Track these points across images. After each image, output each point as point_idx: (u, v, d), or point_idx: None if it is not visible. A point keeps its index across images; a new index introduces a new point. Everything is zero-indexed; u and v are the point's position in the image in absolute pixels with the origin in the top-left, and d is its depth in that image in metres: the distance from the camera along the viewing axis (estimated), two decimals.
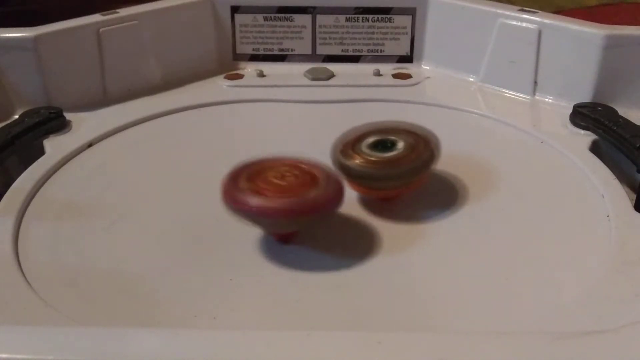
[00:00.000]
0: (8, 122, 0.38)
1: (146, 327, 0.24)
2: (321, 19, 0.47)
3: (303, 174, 0.28)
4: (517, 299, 0.26)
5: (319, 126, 0.40)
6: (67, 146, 0.37)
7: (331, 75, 0.46)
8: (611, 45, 0.39)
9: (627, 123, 0.36)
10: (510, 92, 0.43)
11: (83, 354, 0.20)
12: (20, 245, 0.29)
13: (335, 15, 0.47)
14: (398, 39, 0.47)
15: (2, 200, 0.32)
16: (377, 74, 0.46)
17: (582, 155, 0.35)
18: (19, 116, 0.39)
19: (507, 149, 0.37)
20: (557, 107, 0.41)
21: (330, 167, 0.29)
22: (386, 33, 0.47)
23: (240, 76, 0.46)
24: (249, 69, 0.47)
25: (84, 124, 0.39)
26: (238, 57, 0.48)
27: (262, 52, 0.48)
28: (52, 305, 0.25)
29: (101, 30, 0.42)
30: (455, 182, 0.33)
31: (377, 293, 0.27)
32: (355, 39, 0.47)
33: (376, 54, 0.47)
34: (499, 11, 0.43)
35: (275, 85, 0.45)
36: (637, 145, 0.34)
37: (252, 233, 0.30)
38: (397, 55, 0.47)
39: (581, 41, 0.40)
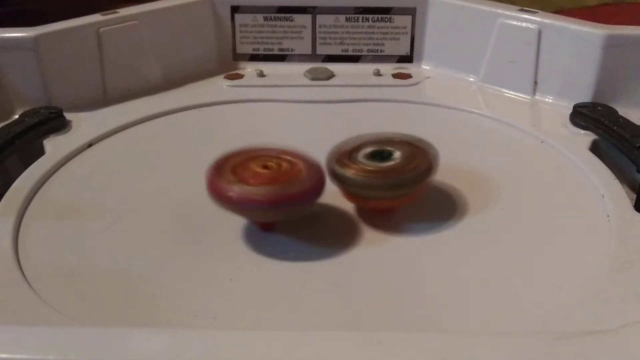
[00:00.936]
0: (8, 122, 0.38)
1: (146, 327, 0.24)
2: (321, 18, 0.47)
3: (285, 164, 0.28)
4: (517, 299, 0.26)
5: (319, 126, 0.40)
6: (67, 146, 0.37)
7: (331, 75, 0.46)
8: (611, 45, 0.39)
9: (627, 123, 0.36)
10: (510, 92, 0.43)
11: (83, 354, 0.20)
12: (20, 245, 0.29)
13: (335, 15, 0.47)
14: (398, 38, 0.47)
15: (2, 200, 0.32)
16: (377, 74, 0.46)
17: (582, 155, 0.35)
18: (19, 116, 0.39)
19: (507, 149, 0.37)
20: (557, 107, 0.41)
21: (311, 157, 0.29)
22: (386, 33, 0.47)
23: (240, 76, 0.46)
24: (249, 68, 0.47)
25: (84, 124, 0.39)
26: (238, 57, 0.48)
27: (262, 52, 0.48)
28: (52, 305, 0.25)
29: (101, 30, 0.42)
30: (455, 182, 0.33)
31: (377, 293, 0.27)
32: (355, 39, 0.47)
33: (376, 53, 0.47)
34: (499, 11, 0.43)
35: (275, 85, 0.45)
36: (637, 145, 0.34)
37: (253, 232, 0.30)
38: (397, 55, 0.47)
39: (581, 41, 0.40)
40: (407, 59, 0.47)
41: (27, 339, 0.20)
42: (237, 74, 0.46)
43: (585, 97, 0.40)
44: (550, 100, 0.42)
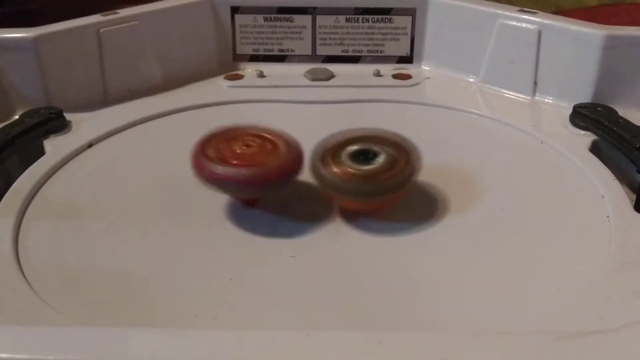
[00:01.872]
0: (8, 122, 0.38)
1: (146, 327, 0.24)
2: (321, 19, 0.47)
3: (266, 142, 0.30)
4: (517, 299, 0.26)
5: (319, 126, 0.40)
6: (67, 146, 0.37)
7: (331, 76, 0.46)
8: (611, 46, 0.39)
9: (627, 123, 0.36)
10: (510, 93, 0.43)
11: (83, 354, 0.20)
12: (20, 245, 0.29)
13: (335, 16, 0.47)
14: (398, 39, 0.47)
15: (2, 200, 0.32)
16: (377, 74, 0.46)
17: (582, 155, 0.35)
18: (19, 116, 0.39)
19: (507, 150, 0.37)
20: (557, 107, 0.41)
21: (290, 136, 0.31)
22: (386, 33, 0.47)
23: (240, 77, 0.46)
24: (249, 69, 0.47)
25: (84, 125, 0.39)
26: (238, 58, 0.48)
27: (262, 52, 0.48)
28: (52, 305, 0.25)
29: (101, 30, 0.42)
30: (454, 182, 0.33)
31: (377, 293, 0.27)
32: (355, 39, 0.47)
33: (376, 54, 0.47)
34: (499, 12, 0.43)
35: (275, 86, 0.45)
36: (637, 145, 0.34)
37: (255, 233, 0.30)
38: (397, 56, 0.47)
39: (581, 42, 0.40)
40: (407, 59, 0.47)
41: (27, 339, 0.20)
42: (237, 74, 0.46)
43: (585, 97, 0.40)
44: (550, 101, 0.42)
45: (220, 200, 0.31)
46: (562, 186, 0.33)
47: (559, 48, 0.41)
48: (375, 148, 0.30)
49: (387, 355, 0.20)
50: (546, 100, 0.42)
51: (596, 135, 0.37)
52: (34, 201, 0.32)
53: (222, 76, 0.46)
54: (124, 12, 0.43)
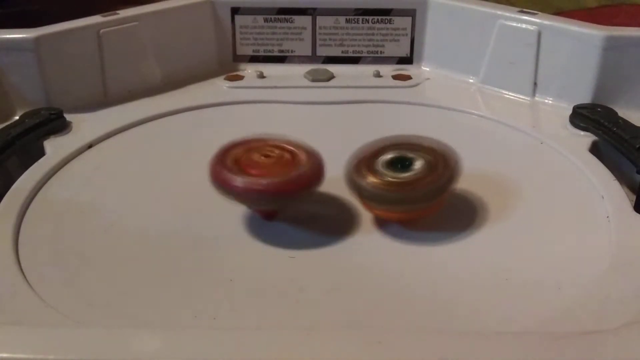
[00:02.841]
0: (8, 123, 0.38)
1: (146, 327, 0.24)
2: (321, 20, 0.47)
3: (286, 153, 0.29)
4: (517, 299, 0.26)
5: (319, 127, 0.40)
6: (68, 147, 0.37)
7: (331, 77, 0.46)
8: (611, 47, 0.39)
9: (627, 124, 0.36)
10: (510, 93, 0.43)
11: (83, 354, 0.20)
12: (20, 245, 0.29)
13: (335, 17, 0.47)
14: (398, 40, 0.47)
15: (3, 200, 0.32)
16: (377, 75, 0.46)
17: (581, 156, 0.35)
18: (19, 117, 0.39)
19: (507, 150, 0.37)
20: (556, 108, 0.41)
21: (310, 146, 0.30)
22: (386, 34, 0.47)
23: (241, 77, 0.46)
24: (249, 70, 0.47)
25: (84, 125, 0.39)
26: (238, 59, 0.48)
27: (262, 53, 0.48)
28: (52, 305, 0.25)
29: (101, 31, 0.42)
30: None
31: (377, 292, 0.27)
32: (355, 40, 0.47)
33: (376, 55, 0.47)
34: (499, 12, 0.43)
35: (275, 87, 0.45)
36: (637, 146, 0.34)
37: (256, 233, 0.30)
38: (397, 57, 0.47)
39: (581, 42, 0.40)
40: (407, 60, 0.47)
41: (27, 339, 0.20)
42: (237, 75, 0.46)
43: (585, 98, 0.40)
44: (550, 102, 0.42)
45: (220, 200, 0.31)
46: (562, 187, 0.33)
47: (559, 49, 0.41)
48: (411, 155, 0.29)
49: (386, 355, 0.20)
50: (546, 100, 0.42)
51: (596, 135, 0.37)
52: (34, 201, 0.32)
53: (222, 77, 0.46)
54: (124, 13, 0.43)
